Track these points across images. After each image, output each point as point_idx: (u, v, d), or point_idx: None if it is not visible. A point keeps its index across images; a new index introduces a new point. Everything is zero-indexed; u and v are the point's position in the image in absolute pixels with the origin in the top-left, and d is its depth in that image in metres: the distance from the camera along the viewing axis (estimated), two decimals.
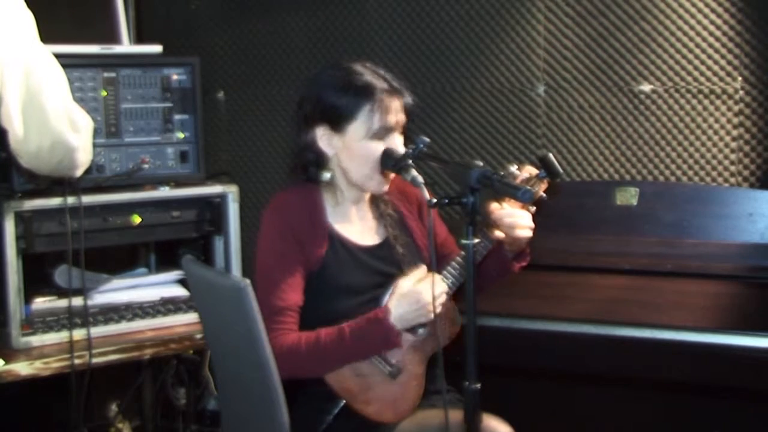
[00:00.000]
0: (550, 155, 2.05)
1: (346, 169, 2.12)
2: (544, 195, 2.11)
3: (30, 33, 2.08)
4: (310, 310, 2.09)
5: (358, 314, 2.06)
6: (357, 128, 2.07)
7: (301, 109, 2.15)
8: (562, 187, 2.89)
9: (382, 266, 2.14)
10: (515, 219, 2.08)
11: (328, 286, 2.10)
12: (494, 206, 2.08)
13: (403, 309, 2.01)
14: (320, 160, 2.14)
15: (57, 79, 2.11)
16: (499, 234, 2.10)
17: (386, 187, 2.15)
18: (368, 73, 2.08)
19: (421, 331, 2.09)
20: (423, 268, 2.08)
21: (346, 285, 2.10)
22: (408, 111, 2.12)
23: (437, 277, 2.02)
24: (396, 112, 2.08)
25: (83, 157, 2.21)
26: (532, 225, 2.11)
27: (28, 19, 2.09)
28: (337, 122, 2.08)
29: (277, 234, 2.10)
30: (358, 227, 2.19)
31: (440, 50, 3.24)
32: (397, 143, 2.08)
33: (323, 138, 2.11)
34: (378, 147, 2.06)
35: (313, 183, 2.17)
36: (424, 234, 2.25)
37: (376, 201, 2.23)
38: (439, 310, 2.00)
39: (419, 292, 2.00)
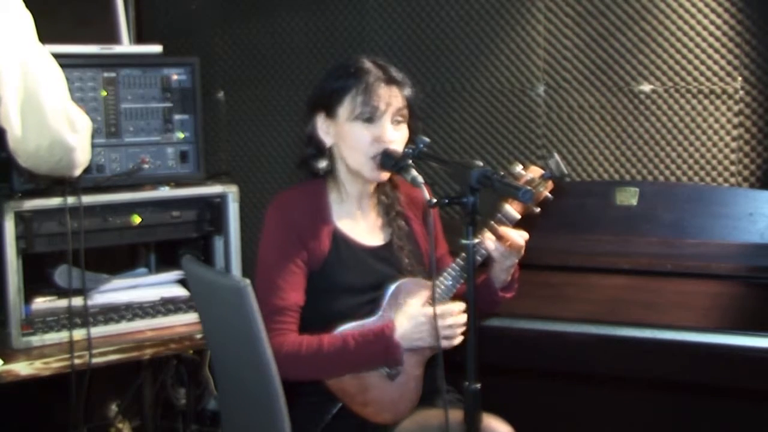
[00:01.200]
0: (556, 155, 2.05)
1: (343, 156, 2.12)
2: (550, 195, 2.11)
3: (28, 33, 2.08)
4: (310, 309, 2.09)
5: (356, 314, 2.06)
6: (344, 110, 2.08)
7: (308, 101, 2.17)
8: (563, 187, 2.89)
9: (384, 267, 2.14)
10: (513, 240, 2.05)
11: (329, 285, 2.09)
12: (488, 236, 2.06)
13: (408, 329, 2.00)
14: (321, 152, 2.14)
15: (55, 79, 2.11)
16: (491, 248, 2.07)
17: (383, 176, 2.12)
18: (365, 62, 2.11)
19: None
20: (430, 289, 2.05)
21: (347, 284, 2.10)
22: (410, 104, 2.11)
23: (452, 303, 2.01)
24: (387, 98, 2.06)
25: (82, 157, 2.21)
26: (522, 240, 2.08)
27: (27, 19, 2.09)
28: (330, 107, 2.10)
29: (279, 232, 2.10)
30: (363, 226, 2.19)
31: (440, 50, 3.24)
32: (388, 130, 2.06)
33: (321, 127, 2.13)
34: (363, 129, 2.06)
35: (318, 180, 2.17)
36: (426, 238, 2.24)
37: (384, 204, 2.22)
38: (451, 342, 1.99)
39: (427, 316, 1.99)
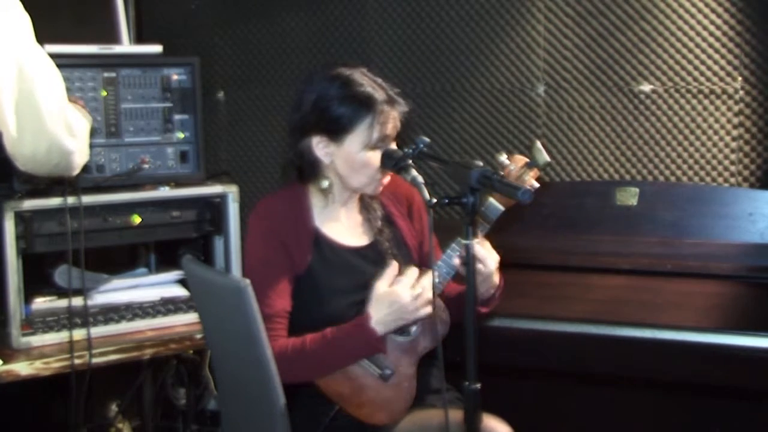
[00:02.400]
0: (538, 143, 2.05)
1: (344, 176, 2.12)
2: (536, 184, 2.10)
3: (26, 35, 2.07)
4: (301, 313, 2.09)
5: (348, 316, 2.06)
6: (355, 139, 2.07)
7: (297, 114, 2.14)
8: (563, 187, 2.89)
9: (371, 267, 2.13)
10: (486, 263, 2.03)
11: (316, 289, 2.10)
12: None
13: (382, 312, 1.99)
14: (315, 167, 2.14)
15: (52, 81, 2.10)
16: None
17: (381, 190, 2.15)
18: (368, 84, 2.08)
19: (413, 330, 2.09)
20: (395, 266, 2.04)
21: (335, 287, 2.10)
22: (402, 119, 2.12)
23: (416, 273, 2.00)
24: (393, 122, 2.08)
25: (80, 159, 2.21)
26: (492, 266, 2.05)
27: (25, 20, 2.08)
28: (335, 133, 2.08)
29: (261, 240, 2.11)
30: (346, 227, 2.18)
31: (440, 50, 3.24)
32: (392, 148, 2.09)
33: (319, 146, 2.11)
34: (375, 156, 2.06)
35: (302, 184, 2.17)
36: (413, 234, 2.25)
37: (363, 200, 2.22)
38: (425, 310, 2.00)
39: (396, 294, 1.98)
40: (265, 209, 2.15)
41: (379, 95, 2.06)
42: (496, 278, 2.09)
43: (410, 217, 2.27)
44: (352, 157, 2.08)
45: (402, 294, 1.98)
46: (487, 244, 2.05)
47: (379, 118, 2.05)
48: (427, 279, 2.00)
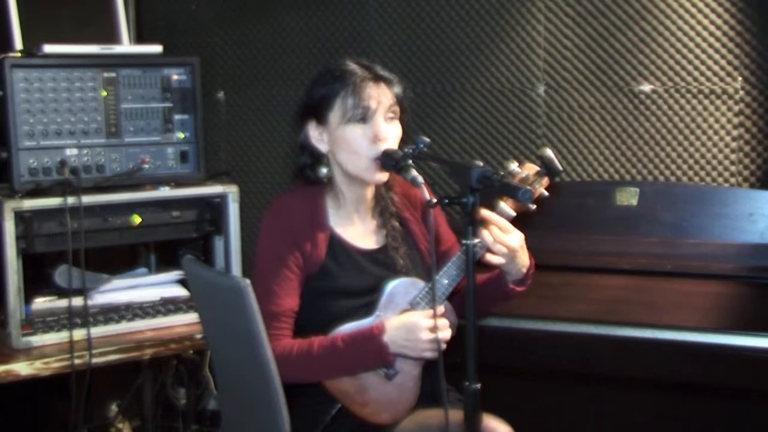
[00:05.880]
0: (550, 152, 2.05)
1: (340, 162, 2.11)
2: (546, 192, 2.11)
3: None
4: (307, 312, 2.09)
5: (352, 317, 2.06)
6: (335, 114, 2.07)
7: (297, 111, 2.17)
8: (562, 187, 2.89)
9: (380, 270, 2.13)
10: (506, 239, 2.04)
11: (326, 289, 2.09)
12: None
13: (398, 335, 1.99)
14: (316, 160, 2.14)
15: None
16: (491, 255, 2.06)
17: (383, 177, 2.11)
18: (350, 64, 2.10)
19: None
20: (441, 310, 2.04)
21: (343, 287, 2.09)
22: (400, 100, 2.11)
23: (444, 324, 2.00)
24: (377, 96, 2.06)
25: None
26: (517, 243, 2.06)
27: None
28: (321, 113, 2.09)
29: (275, 238, 2.11)
30: (360, 230, 2.18)
31: (440, 50, 3.24)
32: (382, 127, 2.05)
33: (314, 135, 2.12)
34: (358, 130, 2.05)
35: (315, 186, 2.16)
36: (426, 238, 2.24)
37: (380, 207, 2.21)
38: (431, 353, 2.00)
39: (420, 329, 1.98)
40: (282, 207, 2.14)
41: (356, 70, 2.07)
42: (525, 256, 2.09)
43: (424, 221, 2.26)
44: (337, 134, 2.08)
45: (422, 333, 1.98)
46: (509, 224, 2.05)
47: (354, 90, 2.05)
48: (448, 331, 2.01)
